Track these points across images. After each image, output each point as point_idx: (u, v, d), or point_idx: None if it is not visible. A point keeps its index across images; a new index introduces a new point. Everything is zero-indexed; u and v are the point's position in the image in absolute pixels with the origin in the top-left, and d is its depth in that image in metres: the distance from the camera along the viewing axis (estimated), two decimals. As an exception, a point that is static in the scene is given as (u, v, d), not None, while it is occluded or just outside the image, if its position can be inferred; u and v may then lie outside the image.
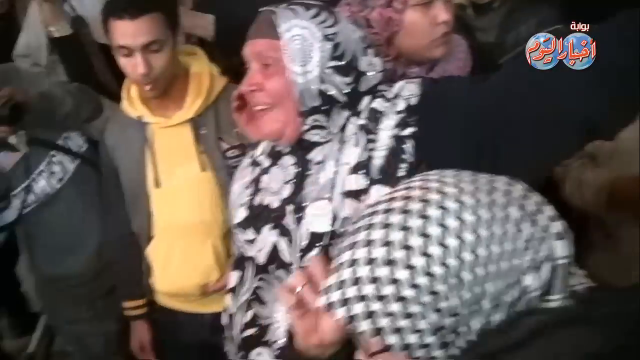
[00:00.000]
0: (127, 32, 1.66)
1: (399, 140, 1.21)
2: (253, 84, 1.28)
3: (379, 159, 1.21)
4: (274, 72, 1.25)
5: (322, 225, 1.24)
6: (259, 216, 1.34)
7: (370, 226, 0.81)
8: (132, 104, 1.85)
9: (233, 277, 1.41)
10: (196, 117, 1.82)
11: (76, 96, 2.06)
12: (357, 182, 1.22)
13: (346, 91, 1.25)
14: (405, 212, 0.78)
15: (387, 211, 0.80)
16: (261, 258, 1.32)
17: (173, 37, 1.75)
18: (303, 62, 1.23)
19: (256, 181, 1.38)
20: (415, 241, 0.76)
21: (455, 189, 0.79)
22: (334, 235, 1.23)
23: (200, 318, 1.96)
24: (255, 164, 1.41)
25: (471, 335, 0.77)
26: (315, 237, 1.25)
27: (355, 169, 1.22)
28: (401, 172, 1.19)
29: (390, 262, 0.77)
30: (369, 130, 1.24)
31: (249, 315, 1.35)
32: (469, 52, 1.58)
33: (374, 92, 1.27)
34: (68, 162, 2.09)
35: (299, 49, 1.23)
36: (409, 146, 1.20)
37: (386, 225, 0.79)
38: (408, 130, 1.21)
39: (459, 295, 0.75)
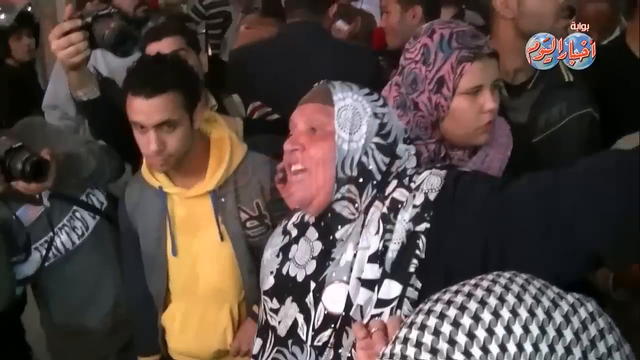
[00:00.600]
0: (141, 110, 1.68)
1: (412, 235, 1.21)
2: (297, 144, 1.31)
3: (392, 252, 1.21)
4: (319, 137, 1.30)
5: (337, 306, 1.25)
6: (284, 286, 1.36)
7: (449, 303, 0.82)
8: (153, 173, 1.87)
9: (256, 345, 1.42)
10: (216, 188, 1.84)
11: (100, 157, 2.08)
12: (372, 271, 1.22)
13: (382, 170, 1.29)
14: (482, 302, 0.81)
15: (469, 295, 0.83)
16: (282, 330, 1.33)
17: (190, 116, 1.75)
18: (351, 130, 1.28)
19: (285, 249, 1.40)
20: (481, 334, 0.77)
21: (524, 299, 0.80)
22: (346, 320, 1.23)
23: None
24: (285, 232, 1.43)
25: None
26: (329, 319, 1.26)
27: (372, 258, 1.23)
28: (411, 268, 1.19)
29: (452, 342, 0.78)
30: (388, 220, 1.24)
31: None
32: (510, 135, 1.59)
33: (400, 178, 1.29)
34: (89, 218, 2.11)
35: (349, 117, 1.29)
36: (421, 242, 1.20)
37: (462, 308, 0.80)
38: (422, 226, 1.20)
39: None
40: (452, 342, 0.78)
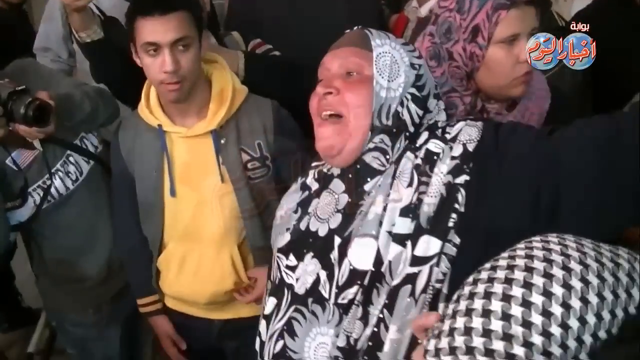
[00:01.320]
0: (156, 29, 1.65)
1: (451, 188, 1.15)
2: (331, 87, 1.26)
3: (428, 205, 1.16)
4: (355, 81, 1.25)
5: (365, 263, 1.19)
6: (303, 242, 1.30)
7: (491, 279, 0.80)
8: (152, 111, 1.83)
9: (269, 304, 1.35)
10: (217, 128, 1.80)
11: (95, 99, 2.04)
12: (405, 226, 1.17)
13: (416, 122, 1.25)
14: (529, 269, 0.78)
15: (511, 267, 0.80)
16: (301, 288, 1.28)
17: (199, 39, 1.74)
18: (390, 77, 1.24)
19: (304, 204, 1.35)
20: (537, 299, 0.75)
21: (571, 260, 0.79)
22: (375, 276, 1.18)
23: (209, 323, 1.97)
24: (304, 187, 1.38)
25: None
26: (355, 275, 1.20)
27: (404, 212, 1.18)
28: (450, 223, 1.14)
29: (506, 317, 0.76)
30: (423, 172, 1.19)
31: (279, 346, 1.30)
32: (547, 88, 1.55)
33: (431, 129, 1.26)
34: (83, 163, 2.07)
35: (388, 64, 1.24)
36: (460, 195, 1.15)
37: (508, 280, 0.78)
38: (461, 178, 1.15)
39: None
40: (526, 323, 0.76)
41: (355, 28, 1.33)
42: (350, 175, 1.27)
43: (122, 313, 2.16)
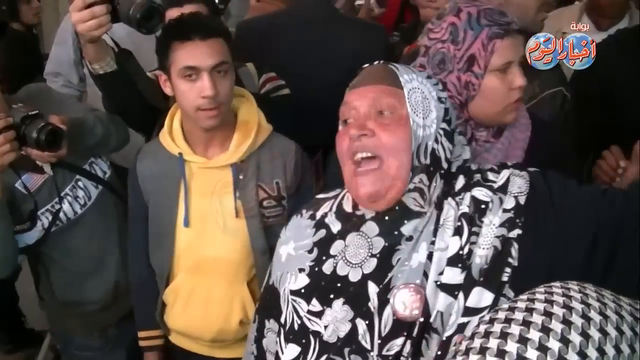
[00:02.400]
0: (197, 53, 1.67)
1: (505, 241, 1.13)
2: (365, 129, 1.19)
3: (480, 257, 1.13)
4: (390, 121, 1.19)
5: (410, 313, 1.14)
6: (329, 287, 1.23)
7: (508, 320, 0.79)
8: (174, 139, 1.84)
9: (290, 351, 1.27)
10: (238, 162, 1.81)
11: (106, 125, 2.06)
12: (454, 276, 1.13)
13: (449, 158, 1.22)
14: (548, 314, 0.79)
15: (529, 310, 0.80)
16: (332, 336, 1.21)
17: (233, 67, 1.75)
18: (424, 114, 1.20)
19: (323, 245, 1.29)
20: (553, 344, 0.76)
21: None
22: (424, 327, 1.14)
23: None
24: (320, 225, 1.32)
25: None
26: (399, 325, 1.15)
27: (453, 262, 1.14)
28: (504, 277, 1.11)
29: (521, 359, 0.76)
30: (473, 222, 1.16)
31: None
32: (527, 115, 1.57)
33: (468, 174, 1.24)
34: (92, 188, 2.08)
35: (420, 101, 1.21)
36: (513, 250, 1.12)
37: (526, 323, 0.78)
38: (514, 232, 1.13)
39: None
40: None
41: (376, 63, 1.29)
42: (386, 218, 1.22)
43: (127, 337, 2.14)
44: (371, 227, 1.23)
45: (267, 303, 1.41)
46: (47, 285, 2.16)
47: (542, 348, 0.76)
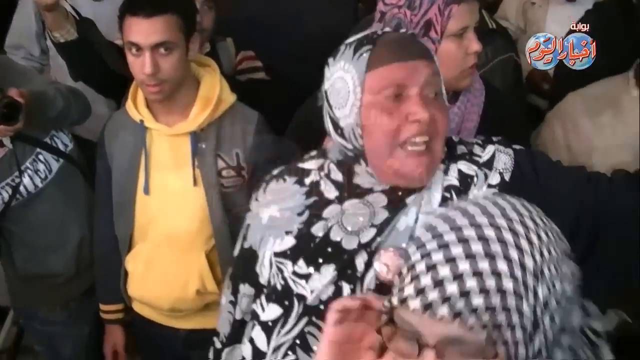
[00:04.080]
0: (139, 30, 1.66)
1: None
2: (429, 112, 1.10)
3: None
4: (442, 103, 1.14)
5: (394, 277, 1.05)
6: (319, 250, 1.19)
7: (459, 228, 0.80)
8: (137, 106, 1.83)
9: (271, 311, 1.24)
10: (198, 130, 1.80)
11: (67, 97, 2.04)
12: None
13: None
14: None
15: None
16: (316, 300, 1.18)
17: (186, 43, 1.73)
18: None
19: (316, 208, 1.23)
20: (508, 236, 0.78)
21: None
22: None
23: (174, 332, 1.96)
24: (312, 192, 1.25)
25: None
26: (382, 289, 1.11)
27: None
28: None
29: (490, 256, 0.77)
30: (460, 195, 1.15)
31: None
32: (480, 80, 1.58)
33: (450, 144, 1.21)
34: (53, 161, 2.06)
35: None
36: None
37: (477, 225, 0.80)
38: None
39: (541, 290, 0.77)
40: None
41: (403, 31, 1.24)
42: (399, 193, 1.17)
43: (90, 311, 2.14)
44: (379, 199, 1.19)
45: (242, 267, 1.36)
46: (9, 259, 2.14)
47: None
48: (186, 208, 1.84)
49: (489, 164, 1.19)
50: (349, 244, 1.17)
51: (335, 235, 1.18)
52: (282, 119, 1.80)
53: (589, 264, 1.00)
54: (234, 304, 1.39)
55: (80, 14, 1.95)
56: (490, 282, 0.74)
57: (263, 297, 1.27)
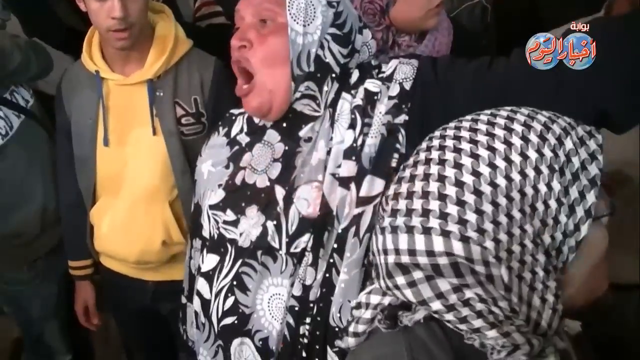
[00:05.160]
0: None
1: (391, 127, 1.15)
2: (245, 39, 1.21)
3: (369, 146, 1.16)
4: (269, 31, 1.20)
5: (312, 209, 1.18)
6: (240, 196, 1.27)
7: (442, 147, 0.85)
8: (92, 57, 1.79)
9: (208, 261, 1.31)
10: (155, 78, 1.76)
11: (26, 51, 1.98)
12: (349, 168, 1.16)
13: (341, 62, 1.22)
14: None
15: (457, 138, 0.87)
16: (245, 241, 1.25)
17: None
18: (305, 21, 1.18)
19: (235, 159, 1.31)
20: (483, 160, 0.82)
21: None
22: (324, 221, 1.17)
23: (143, 284, 1.95)
24: (233, 142, 1.34)
25: None
26: (304, 223, 1.19)
27: (348, 154, 1.17)
28: (394, 163, 1.14)
29: (459, 184, 0.81)
30: (366, 113, 1.18)
31: (229, 302, 1.26)
32: (448, 19, 1.57)
33: (364, 68, 1.24)
34: (13, 117, 2.01)
35: (303, 7, 1.19)
36: (400, 135, 1.15)
37: (457, 150, 0.84)
38: (400, 118, 1.16)
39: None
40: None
41: None
42: (284, 125, 1.25)
43: (58, 269, 2.12)
44: (272, 135, 1.27)
45: (194, 223, 1.43)
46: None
47: (476, 173, 0.81)
48: (147, 158, 1.80)
49: (390, 78, 1.20)
50: (261, 182, 1.24)
51: (250, 179, 1.26)
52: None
53: None
54: (190, 259, 1.45)
55: None
56: (470, 198, 0.80)
57: (205, 250, 1.34)
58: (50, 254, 2.13)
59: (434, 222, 0.80)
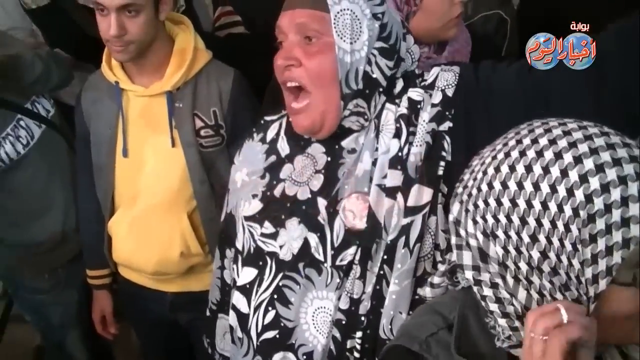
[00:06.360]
0: None
1: (436, 135, 1.14)
2: (291, 58, 1.18)
3: (414, 155, 1.15)
4: (317, 50, 1.16)
5: (359, 221, 1.17)
6: (281, 208, 1.25)
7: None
8: (112, 68, 1.80)
9: (245, 275, 1.29)
10: (174, 90, 1.76)
11: (47, 61, 2.00)
12: (395, 178, 1.15)
13: (388, 75, 1.20)
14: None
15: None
16: (287, 254, 1.23)
17: (155, 3, 1.69)
18: (352, 39, 1.15)
19: (273, 170, 1.29)
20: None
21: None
22: (372, 233, 1.16)
23: (161, 295, 1.95)
24: (270, 151, 1.31)
25: None
26: (350, 235, 1.18)
27: (393, 163, 1.16)
28: (440, 171, 1.13)
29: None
30: (410, 122, 1.17)
31: (270, 316, 1.24)
32: (466, 30, 1.56)
33: (407, 77, 1.22)
34: (35, 127, 2.03)
35: (348, 23, 1.15)
36: (446, 143, 1.14)
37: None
38: (445, 125, 1.15)
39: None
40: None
41: None
42: (331, 138, 1.23)
43: (78, 277, 2.12)
44: (316, 148, 1.25)
45: (227, 232, 1.41)
46: (-8, 227, 2.11)
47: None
48: (165, 169, 1.80)
49: (432, 85, 1.19)
50: (303, 194, 1.22)
51: (290, 191, 1.24)
52: (264, 73, 1.77)
53: None
54: (222, 269, 1.44)
55: None
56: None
57: (239, 262, 1.32)
58: (71, 263, 2.14)
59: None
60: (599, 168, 0.75)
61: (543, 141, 0.80)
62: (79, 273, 2.11)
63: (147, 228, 1.83)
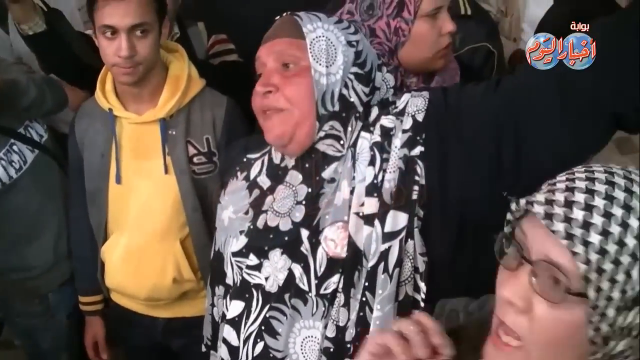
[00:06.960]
0: (115, 12, 1.63)
1: (408, 161, 1.17)
2: (269, 85, 1.22)
3: (388, 181, 1.17)
4: (293, 74, 1.22)
5: (340, 250, 1.19)
6: (263, 240, 1.27)
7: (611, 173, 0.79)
8: (106, 95, 1.81)
9: (234, 308, 1.30)
10: (167, 117, 1.78)
11: (41, 87, 2.02)
12: (372, 205, 1.17)
13: (364, 101, 1.23)
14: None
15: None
16: (273, 286, 1.24)
17: (159, 26, 1.72)
18: (328, 62, 1.20)
19: (256, 204, 1.31)
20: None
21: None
22: (353, 261, 1.18)
23: (153, 321, 1.95)
24: (253, 186, 1.34)
25: None
26: (333, 263, 1.19)
27: (369, 191, 1.18)
28: (414, 196, 1.15)
29: (627, 208, 0.75)
30: (384, 148, 1.19)
31: (259, 348, 1.25)
32: (455, 60, 1.57)
33: (382, 105, 1.25)
34: (27, 152, 2.04)
35: (324, 49, 1.21)
36: (418, 167, 1.16)
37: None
38: (416, 150, 1.17)
39: None
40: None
41: (285, 14, 1.29)
42: (307, 165, 1.26)
43: (69, 303, 2.13)
44: (294, 175, 1.27)
45: (215, 270, 1.42)
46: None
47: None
48: (158, 196, 1.81)
49: (402, 112, 1.22)
50: (285, 225, 1.24)
51: (272, 222, 1.26)
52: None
53: (524, 164, 1.08)
54: (212, 306, 1.45)
55: (48, 5, 1.90)
56: (615, 229, 0.74)
57: (229, 297, 1.33)
58: (62, 287, 2.13)
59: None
60: None
61: None
62: (70, 298, 2.11)
63: (140, 254, 1.84)
